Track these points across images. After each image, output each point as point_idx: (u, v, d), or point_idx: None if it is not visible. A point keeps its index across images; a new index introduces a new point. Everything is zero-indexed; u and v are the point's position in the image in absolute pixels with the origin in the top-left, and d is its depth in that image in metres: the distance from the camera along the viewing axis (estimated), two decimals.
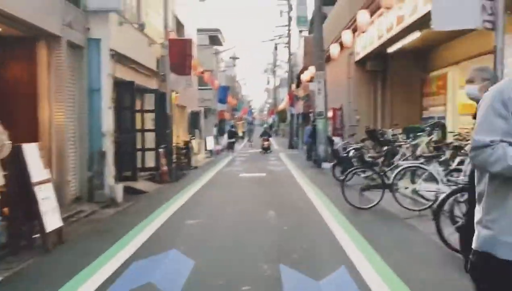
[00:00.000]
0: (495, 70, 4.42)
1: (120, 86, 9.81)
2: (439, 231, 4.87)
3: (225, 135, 26.62)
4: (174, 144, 15.09)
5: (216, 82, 24.60)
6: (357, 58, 14.75)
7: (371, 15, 11.21)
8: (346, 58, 15.41)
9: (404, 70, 14.21)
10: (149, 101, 12.09)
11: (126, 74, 10.06)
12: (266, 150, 24.59)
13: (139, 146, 11.49)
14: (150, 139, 12.02)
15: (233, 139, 24.49)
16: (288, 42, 30.35)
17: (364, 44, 13.81)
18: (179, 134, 20.73)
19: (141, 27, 9.79)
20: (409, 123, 13.59)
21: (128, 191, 9.46)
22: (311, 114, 25.48)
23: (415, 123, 13.45)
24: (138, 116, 11.26)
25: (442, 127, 11.74)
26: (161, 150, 12.55)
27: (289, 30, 29.52)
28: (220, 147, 23.79)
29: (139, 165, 11.41)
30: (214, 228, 6.49)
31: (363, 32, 10.90)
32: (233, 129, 27.45)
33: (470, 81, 3.35)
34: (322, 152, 15.41)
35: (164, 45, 11.76)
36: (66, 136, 7.82)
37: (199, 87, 26.50)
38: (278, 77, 50.54)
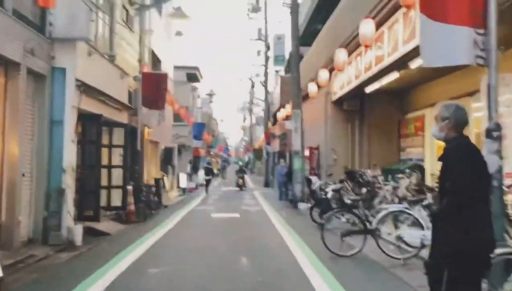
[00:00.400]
0: (489, 109, 4.10)
1: (86, 119, 9.20)
2: None
3: (201, 172, 25.95)
4: (145, 181, 14.36)
5: (192, 119, 24.14)
6: (334, 98, 14.63)
7: (349, 54, 11.11)
8: (323, 97, 15.28)
9: (382, 111, 14.13)
10: (119, 136, 11.46)
11: (93, 107, 9.48)
12: (241, 187, 25.05)
13: (105, 183, 10.76)
14: (117, 176, 11.31)
15: (209, 177, 24.12)
16: (265, 81, 30.44)
17: (341, 84, 13.72)
18: (151, 171, 19.98)
19: (112, 58, 9.30)
20: (387, 164, 13.36)
21: (89, 232, 8.66)
22: (287, 153, 25.24)
23: (393, 164, 13.24)
24: (105, 151, 10.60)
25: (420, 169, 11.52)
26: (129, 187, 11.83)
27: (266, 69, 29.67)
28: (194, 185, 23.04)
29: (104, 204, 10.63)
30: (179, 278, 5.81)
31: (340, 70, 10.74)
32: (209, 166, 27.14)
33: (435, 119, 3.08)
34: (299, 192, 14.94)
35: (136, 79, 11.29)
36: (20, 171, 7.09)
37: (174, 123, 25.98)
38: (255, 115, 50.59)
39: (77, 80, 8.25)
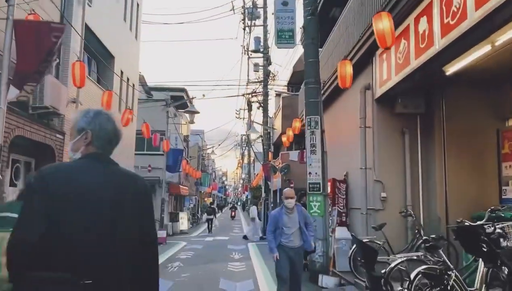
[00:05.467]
0: None
1: None
2: None
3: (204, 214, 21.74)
4: None
5: (164, 143, 17.98)
6: (380, 92, 8.59)
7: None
8: (359, 95, 9.24)
9: (464, 114, 8.12)
10: None
11: None
12: (233, 217, 38.25)
13: None
14: None
15: (211, 216, 25.65)
16: (264, 101, 24.63)
17: (395, 65, 7.70)
18: None
19: None
20: (477, 208, 7.35)
21: None
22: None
23: (488, 206, 7.09)
24: None
25: None
26: None
27: (265, 84, 23.90)
28: (164, 234, 16.55)
29: None
30: None
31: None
32: (212, 206, 29.28)
33: (70, 133, 2.00)
34: (319, 255, 8.66)
35: None
36: None
37: (145, 152, 20.01)
38: (255, 150, 44.55)
39: None
